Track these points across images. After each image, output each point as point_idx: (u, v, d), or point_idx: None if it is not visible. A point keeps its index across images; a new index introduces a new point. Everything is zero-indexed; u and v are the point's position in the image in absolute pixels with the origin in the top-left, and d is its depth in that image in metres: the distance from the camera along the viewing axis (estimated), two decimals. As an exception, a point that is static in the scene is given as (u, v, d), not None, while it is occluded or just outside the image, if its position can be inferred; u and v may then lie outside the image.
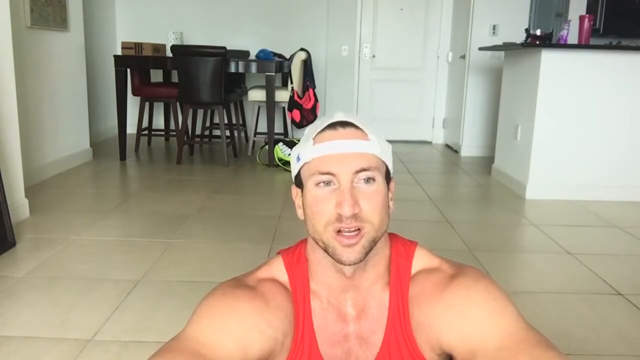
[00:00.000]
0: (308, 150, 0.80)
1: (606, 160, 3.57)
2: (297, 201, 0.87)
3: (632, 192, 3.60)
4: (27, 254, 2.36)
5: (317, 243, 0.82)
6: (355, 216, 0.76)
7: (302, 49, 4.86)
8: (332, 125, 0.80)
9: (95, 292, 2.01)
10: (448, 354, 0.81)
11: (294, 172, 0.85)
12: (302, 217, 0.86)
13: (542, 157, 3.57)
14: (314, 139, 0.81)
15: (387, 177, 0.83)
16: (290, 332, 0.83)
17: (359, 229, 0.77)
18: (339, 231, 0.77)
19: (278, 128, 5.43)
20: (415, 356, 0.83)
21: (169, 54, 4.58)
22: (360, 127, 0.80)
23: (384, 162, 0.81)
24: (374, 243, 0.79)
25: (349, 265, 0.79)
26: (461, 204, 3.59)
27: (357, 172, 0.77)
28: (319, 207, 0.79)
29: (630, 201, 3.56)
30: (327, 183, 0.78)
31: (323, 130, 0.81)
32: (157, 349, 0.75)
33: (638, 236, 2.89)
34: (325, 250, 0.80)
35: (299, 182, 0.84)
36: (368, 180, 0.78)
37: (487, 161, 4.83)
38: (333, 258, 0.79)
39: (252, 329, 0.78)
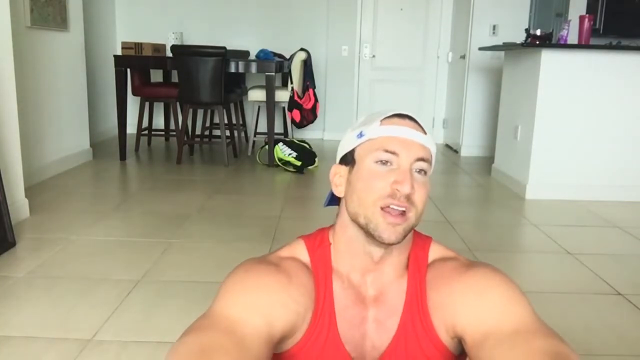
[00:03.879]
0: (374, 129, 0.85)
1: (606, 160, 3.57)
2: (336, 179, 0.89)
3: (632, 192, 3.60)
4: (27, 254, 2.36)
5: (356, 219, 0.83)
6: (408, 197, 0.80)
7: (302, 49, 4.86)
8: (401, 115, 0.86)
9: (95, 292, 2.01)
10: (460, 337, 0.82)
11: (347, 149, 0.88)
12: (340, 195, 0.89)
13: (542, 157, 3.57)
14: (381, 121, 0.85)
15: None
16: (310, 308, 0.84)
17: (404, 212, 0.80)
18: (386, 208, 0.80)
19: (278, 128, 5.43)
20: (432, 338, 0.84)
21: (169, 54, 4.59)
22: (422, 126, 0.87)
23: (432, 164, 0.87)
24: (410, 230, 0.83)
25: (388, 244, 0.81)
26: (461, 204, 3.59)
27: (418, 159, 0.82)
28: (374, 182, 0.82)
29: (630, 201, 3.56)
30: (386, 162, 0.82)
31: (391, 116, 0.86)
32: (187, 328, 0.75)
33: (638, 236, 2.89)
34: (366, 226, 0.82)
35: (349, 159, 0.87)
36: (421, 171, 0.83)
37: (487, 161, 4.83)
38: (373, 235, 0.81)
39: (277, 304, 0.79)
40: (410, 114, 0.87)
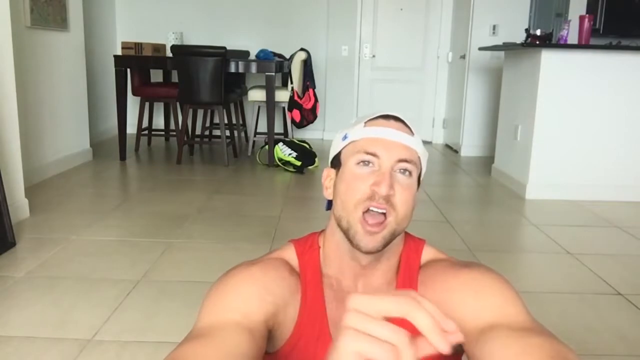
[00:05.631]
0: (358, 131, 0.85)
1: (606, 160, 3.57)
2: (327, 182, 0.89)
3: (632, 192, 3.60)
4: (27, 254, 2.36)
5: (339, 223, 0.83)
6: (387, 198, 0.79)
7: (302, 49, 4.86)
8: (386, 116, 0.86)
9: (95, 292, 2.01)
10: None
11: (334, 152, 0.89)
12: (330, 197, 0.88)
13: (542, 157, 3.57)
14: (365, 123, 0.85)
15: (418, 180, 0.86)
16: (292, 304, 0.84)
17: (384, 217, 0.79)
18: (366, 211, 0.79)
19: (278, 128, 5.43)
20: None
21: (169, 54, 4.59)
22: (409, 126, 0.86)
23: (420, 164, 0.85)
24: (393, 236, 0.81)
25: (367, 253, 0.80)
26: (461, 204, 3.59)
27: (400, 160, 0.81)
28: (355, 183, 0.81)
29: (630, 201, 3.56)
30: (367, 163, 0.81)
31: (376, 118, 0.86)
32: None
33: (638, 236, 2.89)
34: (347, 232, 0.81)
35: (336, 162, 0.87)
36: (405, 171, 0.81)
37: (487, 161, 4.83)
38: (352, 243, 0.81)
39: (250, 296, 0.79)
40: (397, 114, 0.86)
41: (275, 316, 0.81)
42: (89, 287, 2.05)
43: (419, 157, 0.85)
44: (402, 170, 0.81)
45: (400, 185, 0.81)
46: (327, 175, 0.90)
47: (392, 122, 0.85)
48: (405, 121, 0.86)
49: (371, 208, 0.79)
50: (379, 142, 0.82)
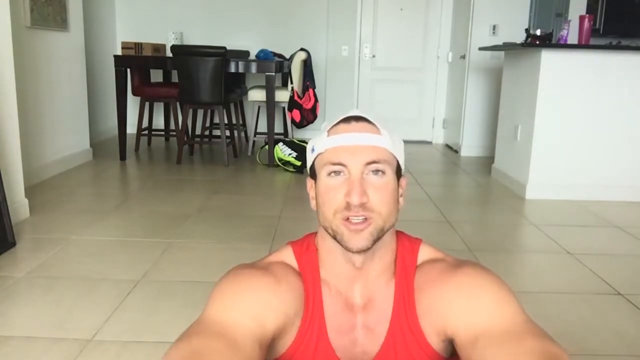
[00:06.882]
0: (322, 142, 0.84)
1: (606, 160, 3.57)
2: (311, 193, 0.89)
3: (632, 192, 3.60)
4: (27, 254, 2.36)
5: (327, 231, 0.84)
6: (363, 205, 0.79)
7: (302, 49, 4.86)
8: (346, 119, 0.84)
9: (95, 292, 2.01)
10: (451, 339, 0.81)
11: (308, 164, 0.89)
12: (314, 208, 0.88)
13: (542, 157, 3.57)
14: (328, 131, 0.84)
15: (398, 173, 0.85)
16: (300, 312, 0.84)
17: (366, 218, 0.79)
18: (347, 219, 0.80)
19: (278, 128, 5.43)
20: (421, 343, 0.84)
21: (169, 54, 4.59)
22: (373, 122, 0.84)
23: (395, 157, 0.84)
24: (381, 232, 0.81)
25: (357, 252, 0.81)
26: (461, 204, 3.59)
27: (368, 163, 0.80)
28: (329, 195, 0.81)
29: (630, 201, 3.56)
30: (338, 173, 0.81)
31: (337, 123, 0.84)
32: (180, 335, 0.75)
33: (638, 236, 2.89)
34: (334, 237, 0.82)
35: (313, 173, 0.87)
36: (377, 172, 0.80)
37: (487, 161, 4.83)
38: (341, 245, 0.81)
39: (267, 306, 0.79)
40: (359, 113, 0.85)
41: (284, 326, 0.81)
42: (89, 287, 2.05)
43: (390, 152, 0.83)
44: (374, 172, 0.80)
45: (375, 187, 0.80)
46: (311, 186, 0.89)
47: (353, 124, 0.83)
48: (369, 118, 0.84)
49: (350, 218, 0.79)
50: (343, 150, 0.81)
